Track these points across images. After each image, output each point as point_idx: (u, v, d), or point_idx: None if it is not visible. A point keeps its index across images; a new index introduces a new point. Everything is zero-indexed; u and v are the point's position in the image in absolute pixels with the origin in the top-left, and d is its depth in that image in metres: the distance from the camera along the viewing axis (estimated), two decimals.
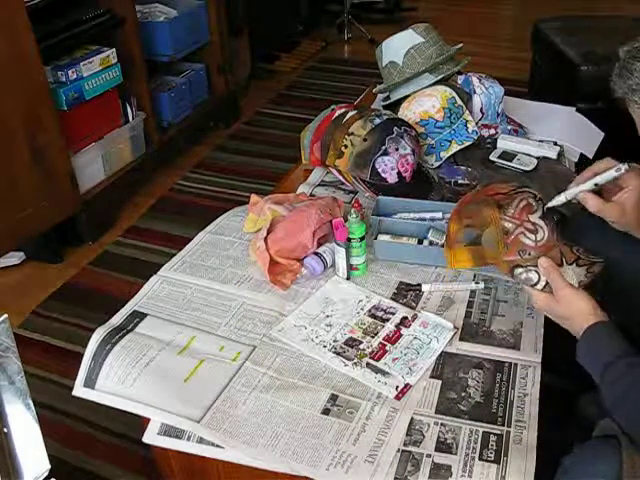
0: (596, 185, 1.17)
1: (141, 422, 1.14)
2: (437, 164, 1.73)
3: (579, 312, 1.06)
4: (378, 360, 1.19)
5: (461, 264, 1.24)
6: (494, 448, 1.02)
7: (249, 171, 2.96)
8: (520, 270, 1.13)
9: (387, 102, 1.99)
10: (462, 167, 1.66)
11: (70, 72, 2.30)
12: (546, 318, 1.25)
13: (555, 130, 1.92)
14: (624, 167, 1.13)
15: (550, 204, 1.19)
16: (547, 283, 1.11)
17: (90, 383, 1.19)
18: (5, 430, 0.83)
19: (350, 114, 1.65)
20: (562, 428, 1.24)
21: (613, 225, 1.18)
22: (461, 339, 1.23)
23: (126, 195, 2.73)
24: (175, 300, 1.36)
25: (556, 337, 1.23)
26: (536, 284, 1.11)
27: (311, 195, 1.69)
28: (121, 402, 1.15)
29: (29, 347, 1.98)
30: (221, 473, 1.13)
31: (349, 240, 1.35)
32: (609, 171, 1.15)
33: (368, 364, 1.18)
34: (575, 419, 1.36)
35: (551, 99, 2.18)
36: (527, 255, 1.12)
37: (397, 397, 1.12)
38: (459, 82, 1.87)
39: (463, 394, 1.12)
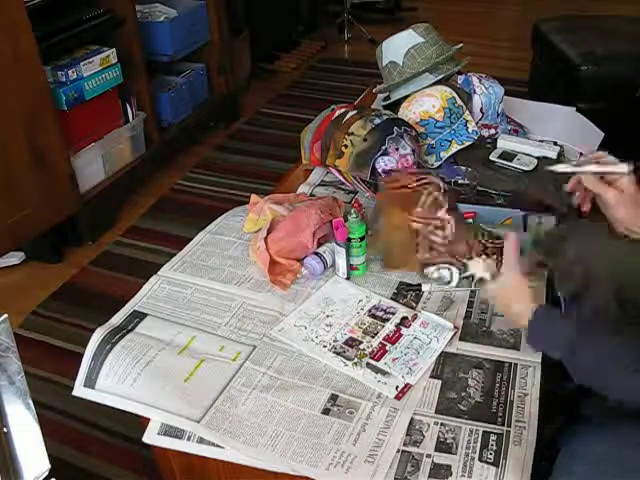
0: (601, 170, 1.14)
1: (141, 422, 1.14)
2: (437, 164, 1.73)
3: (523, 298, 1.08)
4: (378, 360, 1.19)
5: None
6: (494, 448, 1.02)
7: (249, 171, 2.96)
8: (432, 269, 1.13)
9: (387, 102, 1.98)
10: (462, 167, 1.66)
11: (70, 72, 2.30)
12: None
13: (555, 130, 1.92)
14: (630, 165, 1.12)
15: (554, 167, 1.16)
16: (460, 280, 1.11)
17: (90, 383, 1.19)
18: (5, 430, 0.83)
19: (350, 114, 1.65)
20: (562, 428, 1.24)
21: (607, 212, 1.14)
22: (461, 339, 1.23)
23: (126, 195, 2.73)
24: (175, 300, 1.36)
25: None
26: (450, 282, 1.12)
27: (311, 195, 1.69)
28: (121, 402, 1.15)
29: (29, 347, 1.98)
30: (221, 473, 1.13)
31: (349, 240, 1.35)
32: (616, 164, 1.12)
33: (368, 364, 1.18)
34: (575, 420, 1.36)
35: (551, 99, 2.18)
36: (435, 253, 1.12)
37: (397, 397, 1.12)
38: (459, 82, 1.87)
39: (463, 394, 1.12)
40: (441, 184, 1.15)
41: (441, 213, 1.12)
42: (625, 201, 1.10)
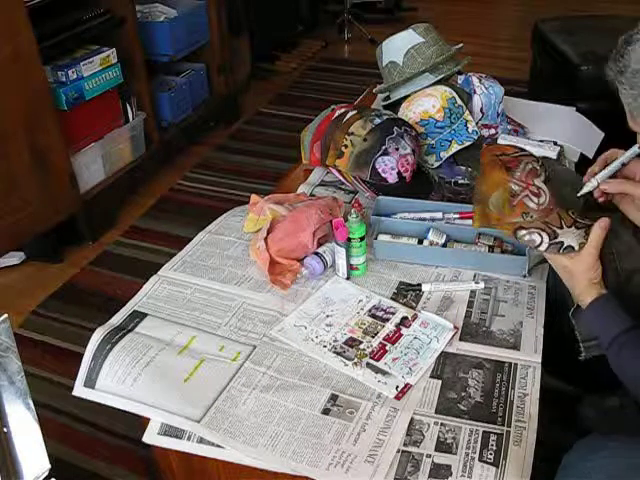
0: (623, 165, 1.16)
1: (141, 422, 1.14)
2: (437, 164, 1.73)
3: (590, 279, 1.10)
4: (378, 360, 1.19)
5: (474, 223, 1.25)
6: (494, 448, 1.02)
7: (249, 171, 2.97)
8: (523, 232, 1.14)
9: (387, 102, 1.98)
10: (462, 167, 1.66)
11: (70, 72, 2.30)
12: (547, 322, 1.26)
13: (555, 130, 1.92)
14: (637, 146, 1.13)
15: (583, 191, 1.18)
16: (549, 246, 1.12)
17: (90, 383, 1.19)
18: (5, 430, 0.83)
19: (350, 114, 1.65)
20: (562, 429, 1.25)
21: (637, 203, 1.16)
22: (461, 339, 1.23)
23: (126, 195, 2.73)
24: (175, 300, 1.36)
25: (556, 338, 1.24)
26: (539, 246, 1.13)
27: (311, 195, 1.69)
28: (121, 402, 1.15)
29: (29, 347, 1.98)
30: (221, 473, 1.13)
31: (349, 240, 1.35)
32: (632, 149, 1.14)
33: (368, 364, 1.18)
34: (575, 420, 1.36)
35: (551, 99, 2.18)
36: (529, 218, 1.13)
37: (397, 397, 1.12)
38: (459, 82, 1.87)
39: (463, 394, 1.12)
40: (539, 159, 1.18)
41: (538, 181, 1.14)
42: None
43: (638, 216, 1.16)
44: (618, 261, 1.22)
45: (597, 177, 1.17)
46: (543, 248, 1.13)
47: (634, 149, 1.14)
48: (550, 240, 1.12)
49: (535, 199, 1.14)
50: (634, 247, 1.24)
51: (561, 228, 1.13)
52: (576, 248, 1.12)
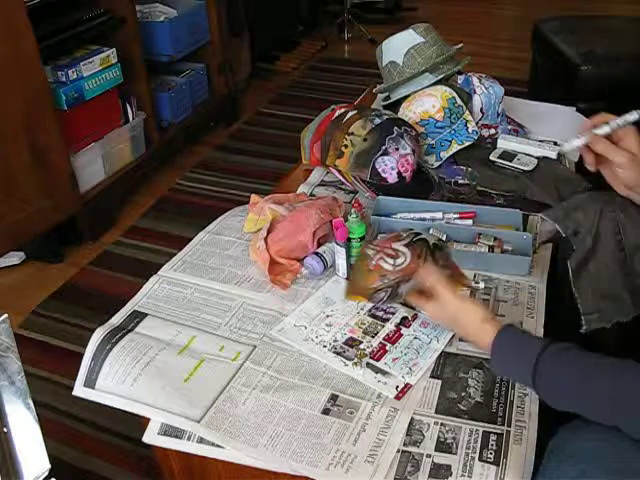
0: (611, 130, 1.13)
1: (141, 422, 1.14)
2: (437, 164, 1.73)
3: (474, 322, 1.08)
4: (378, 360, 1.19)
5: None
6: (494, 448, 1.02)
7: (249, 171, 2.97)
8: (381, 295, 1.18)
9: (387, 102, 1.99)
10: (462, 167, 1.66)
11: (70, 72, 2.30)
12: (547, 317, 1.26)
13: (555, 130, 1.92)
14: (637, 113, 1.11)
15: (566, 146, 1.17)
16: (388, 297, 1.20)
17: (90, 383, 1.19)
18: (5, 430, 0.83)
19: (350, 114, 1.65)
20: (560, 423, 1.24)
21: (619, 172, 1.13)
22: (461, 339, 1.23)
23: (126, 195, 2.73)
24: (175, 300, 1.36)
25: (556, 338, 1.24)
26: (381, 300, 1.21)
27: (311, 195, 1.69)
28: (121, 402, 1.15)
29: (29, 347, 1.98)
30: (221, 473, 1.13)
31: (349, 240, 1.35)
32: (624, 116, 1.12)
33: (368, 364, 1.18)
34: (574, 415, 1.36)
35: (551, 99, 2.18)
36: (386, 280, 1.17)
37: (397, 397, 1.12)
38: (459, 82, 1.87)
39: (463, 394, 1.12)
40: (431, 240, 1.20)
41: (397, 244, 1.17)
42: (635, 162, 1.10)
43: (616, 184, 1.15)
44: (623, 235, 1.19)
45: (582, 136, 1.15)
46: (384, 299, 1.20)
47: (631, 116, 1.12)
48: (390, 293, 1.18)
49: (390, 260, 1.16)
50: None
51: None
52: (403, 294, 1.18)
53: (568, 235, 1.22)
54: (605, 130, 1.14)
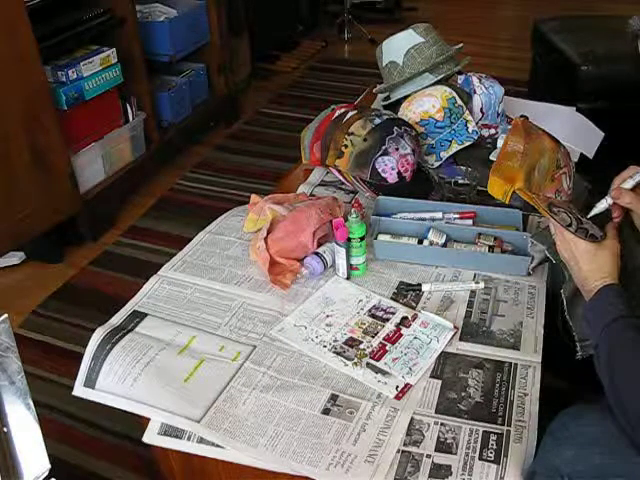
0: (635, 183, 1.13)
1: (141, 422, 1.14)
2: (437, 164, 1.73)
3: (599, 267, 1.08)
4: (378, 360, 1.19)
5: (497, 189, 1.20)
6: (494, 448, 1.02)
7: (249, 171, 2.97)
8: (557, 209, 1.13)
9: (387, 102, 1.99)
10: (462, 167, 1.66)
11: (70, 72, 2.30)
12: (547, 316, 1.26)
13: (555, 130, 1.90)
14: None
15: (594, 211, 1.17)
16: (577, 229, 1.11)
17: (90, 383, 1.19)
18: (5, 430, 0.83)
19: (350, 114, 1.65)
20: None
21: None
22: (461, 339, 1.23)
23: (126, 195, 2.73)
24: (175, 300, 1.36)
25: (557, 338, 1.24)
26: (569, 225, 1.12)
27: (311, 195, 1.69)
28: (121, 402, 1.15)
29: (29, 347, 1.98)
30: (221, 473, 1.13)
31: (349, 240, 1.35)
32: None
33: (368, 364, 1.18)
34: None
35: (551, 99, 2.18)
36: (559, 197, 1.14)
37: (397, 397, 1.12)
38: (459, 82, 1.87)
39: (463, 394, 1.12)
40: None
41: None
42: None
43: None
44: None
45: (607, 198, 1.15)
46: (573, 229, 1.12)
47: None
48: (578, 225, 1.12)
49: (569, 181, 1.13)
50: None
51: (581, 217, 1.13)
52: (599, 238, 1.10)
53: (558, 262, 1.21)
54: (630, 184, 1.14)
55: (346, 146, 1.60)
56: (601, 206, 1.16)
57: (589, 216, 1.17)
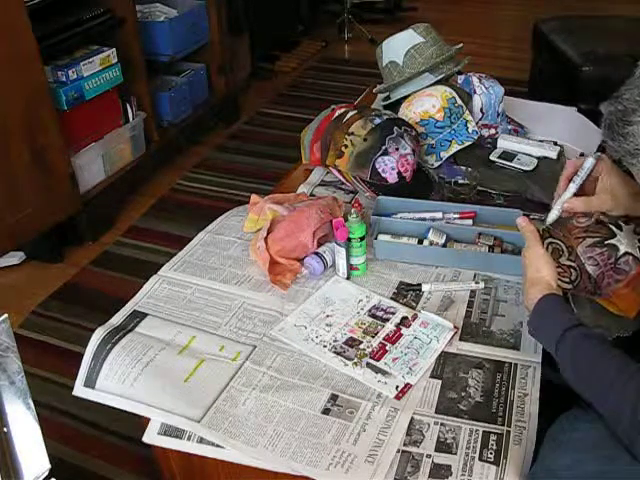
0: (577, 187, 1.17)
1: (141, 422, 1.14)
2: (437, 164, 1.73)
3: (539, 279, 1.10)
4: (378, 360, 1.19)
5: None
6: (494, 448, 1.02)
7: (249, 171, 2.97)
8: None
9: (387, 102, 1.99)
10: (462, 167, 1.66)
11: (70, 72, 2.30)
12: None
13: (555, 130, 1.92)
14: (593, 157, 1.14)
15: (549, 220, 1.20)
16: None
17: (90, 383, 1.19)
18: (5, 430, 0.83)
19: (350, 114, 1.65)
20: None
21: (611, 214, 1.17)
22: (461, 339, 1.23)
23: (126, 195, 2.73)
24: (175, 300, 1.36)
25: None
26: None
27: (311, 195, 1.69)
28: (121, 402, 1.15)
29: (29, 347, 1.98)
30: (221, 473, 1.13)
31: (349, 240, 1.35)
32: (582, 166, 1.15)
33: (368, 364, 1.18)
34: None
35: (551, 99, 2.18)
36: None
37: (397, 397, 1.12)
38: (459, 82, 1.87)
39: (463, 394, 1.12)
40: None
41: (562, 259, 1.17)
42: (611, 193, 1.12)
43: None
44: None
45: (555, 208, 1.18)
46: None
47: (584, 167, 1.15)
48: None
49: (565, 279, 1.15)
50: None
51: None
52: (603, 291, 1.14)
53: None
54: (573, 190, 1.17)
55: (346, 146, 1.60)
56: (552, 216, 1.19)
57: (546, 224, 1.20)
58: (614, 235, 1.15)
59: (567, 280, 1.15)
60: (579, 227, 1.17)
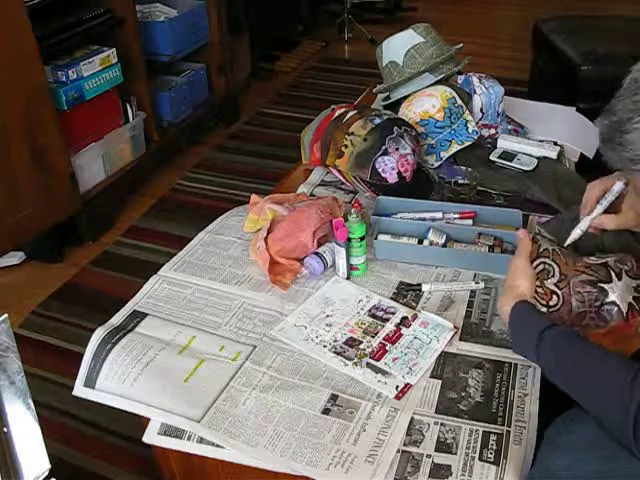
0: (604, 208, 1.18)
1: (141, 422, 1.14)
2: (437, 164, 1.73)
3: (514, 288, 1.14)
4: (378, 360, 1.19)
5: None
6: (494, 448, 1.02)
7: (249, 171, 2.96)
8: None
9: (387, 102, 1.99)
10: (462, 167, 1.66)
11: (70, 72, 2.30)
12: None
13: (555, 130, 1.92)
14: (622, 182, 1.14)
15: (568, 241, 1.20)
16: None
17: (90, 383, 1.19)
18: (5, 430, 0.83)
19: (350, 114, 1.65)
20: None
21: (637, 230, 1.18)
22: (461, 339, 1.23)
23: (126, 195, 2.73)
24: (175, 300, 1.36)
25: None
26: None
27: (311, 195, 1.69)
28: (121, 402, 1.15)
29: (29, 347, 1.98)
30: (221, 473, 1.13)
31: (349, 240, 1.35)
32: (611, 189, 1.16)
33: (368, 364, 1.18)
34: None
35: (551, 99, 2.18)
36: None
37: (397, 397, 1.12)
38: (459, 82, 1.87)
39: (463, 394, 1.12)
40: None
41: (548, 283, 1.17)
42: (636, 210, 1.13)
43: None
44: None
45: (580, 226, 1.20)
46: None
47: (614, 190, 1.16)
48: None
49: (543, 302, 1.16)
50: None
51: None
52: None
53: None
54: (600, 211, 1.18)
55: (346, 146, 1.60)
56: (575, 235, 1.20)
57: (566, 244, 1.20)
58: (610, 281, 1.15)
59: (544, 303, 1.16)
60: (586, 262, 1.18)
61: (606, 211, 1.18)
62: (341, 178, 1.70)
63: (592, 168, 1.80)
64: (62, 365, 1.89)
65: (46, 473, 0.89)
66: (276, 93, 3.77)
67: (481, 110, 1.84)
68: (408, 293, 1.35)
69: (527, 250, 1.17)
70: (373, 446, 1.04)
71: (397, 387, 1.14)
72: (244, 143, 3.23)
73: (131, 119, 2.68)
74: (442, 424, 1.07)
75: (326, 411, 1.10)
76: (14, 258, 2.37)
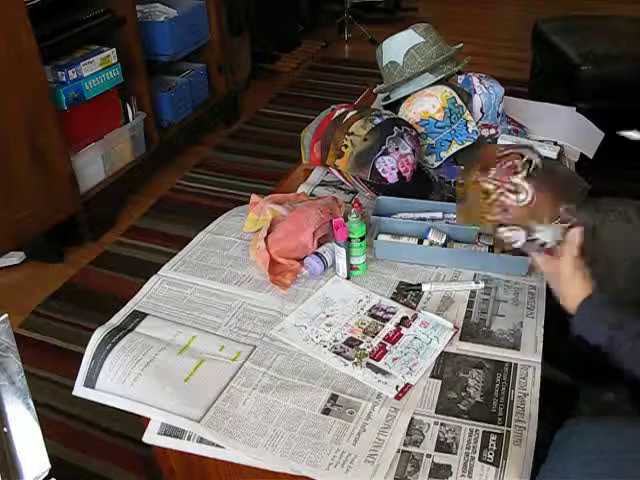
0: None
1: (141, 422, 1.14)
2: (437, 164, 1.73)
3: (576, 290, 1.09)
4: (378, 360, 1.19)
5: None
6: (494, 448, 1.02)
7: (249, 171, 2.96)
8: (503, 229, 1.13)
9: (387, 102, 1.98)
10: (462, 167, 1.66)
11: (70, 72, 2.30)
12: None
13: (555, 130, 1.92)
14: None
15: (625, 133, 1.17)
16: (526, 242, 1.12)
17: (90, 383, 1.19)
18: (5, 430, 0.83)
19: (350, 114, 1.65)
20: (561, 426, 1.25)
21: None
22: (461, 339, 1.23)
23: (126, 195, 2.73)
24: (175, 300, 1.36)
25: (557, 333, 1.24)
26: (515, 242, 1.12)
27: (311, 195, 1.69)
28: (121, 402, 1.15)
29: (29, 347, 1.98)
30: (221, 473, 1.13)
31: (349, 240, 1.35)
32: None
33: (368, 364, 1.18)
34: (572, 416, 1.36)
35: (551, 99, 2.18)
36: (509, 216, 1.13)
37: (397, 397, 1.12)
38: (459, 82, 1.87)
39: (463, 394, 1.12)
40: (535, 160, 1.14)
41: (516, 178, 1.12)
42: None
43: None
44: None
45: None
46: (519, 245, 1.13)
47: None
48: (526, 237, 1.12)
49: (512, 196, 1.13)
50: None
51: (541, 224, 1.11)
52: (548, 245, 1.10)
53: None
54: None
55: (346, 146, 1.60)
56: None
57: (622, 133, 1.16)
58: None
59: (514, 198, 1.12)
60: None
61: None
62: (341, 178, 1.70)
63: (592, 168, 1.80)
64: (62, 365, 1.89)
65: (46, 473, 0.89)
66: (276, 93, 3.77)
67: (481, 110, 1.84)
68: (408, 293, 1.35)
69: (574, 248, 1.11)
70: (373, 446, 1.04)
71: (397, 387, 1.14)
72: (244, 143, 3.23)
73: (131, 119, 2.68)
74: (442, 424, 1.07)
75: (326, 411, 1.10)
76: (14, 258, 2.37)
